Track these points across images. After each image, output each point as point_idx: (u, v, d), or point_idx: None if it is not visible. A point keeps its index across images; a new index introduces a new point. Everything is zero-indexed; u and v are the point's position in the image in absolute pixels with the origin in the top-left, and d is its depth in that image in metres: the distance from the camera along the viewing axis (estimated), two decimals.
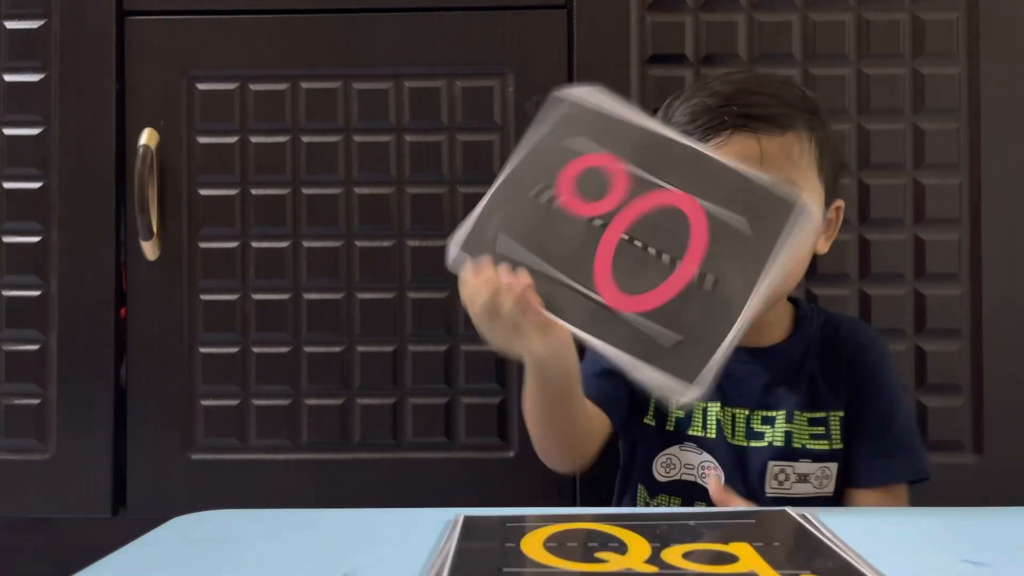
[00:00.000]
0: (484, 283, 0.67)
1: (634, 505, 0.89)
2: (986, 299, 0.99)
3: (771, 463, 0.83)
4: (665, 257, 0.63)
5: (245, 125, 1.02)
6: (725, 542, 0.50)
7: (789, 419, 0.83)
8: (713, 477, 0.81)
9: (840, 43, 1.01)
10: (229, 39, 1.02)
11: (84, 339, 1.01)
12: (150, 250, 1.00)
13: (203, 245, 1.02)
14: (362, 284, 1.02)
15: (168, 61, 1.02)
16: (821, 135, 0.85)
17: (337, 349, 1.02)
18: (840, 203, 0.90)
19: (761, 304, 0.62)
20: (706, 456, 0.85)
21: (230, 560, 0.52)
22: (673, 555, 0.47)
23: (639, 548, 0.49)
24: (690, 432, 0.85)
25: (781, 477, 0.83)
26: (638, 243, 0.64)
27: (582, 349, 0.70)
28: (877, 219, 1.00)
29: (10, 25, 1.03)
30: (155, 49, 1.02)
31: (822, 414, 0.84)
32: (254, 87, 1.02)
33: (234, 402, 1.02)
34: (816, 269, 1.00)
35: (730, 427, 0.84)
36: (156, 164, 1.00)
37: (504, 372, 1.01)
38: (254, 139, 1.02)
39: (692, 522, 0.55)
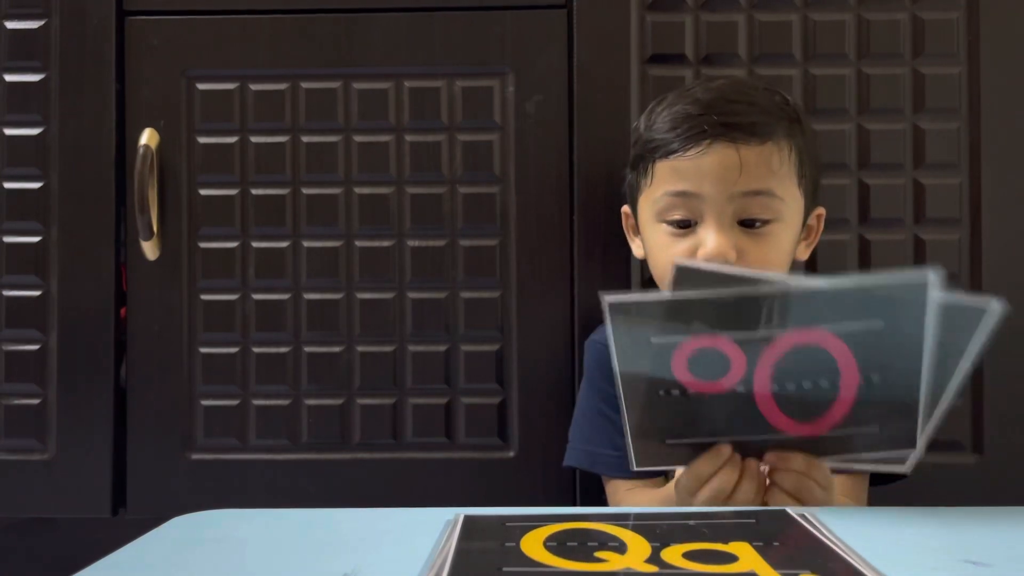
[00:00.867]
0: (729, 468, 0.66)
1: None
2: None
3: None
4: (823, 382, 0.61)
5: (245, 125, 1.02)
6: (725, 542, 0.50)
7: None
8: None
9: (840, 43, 1.01)
10: (229, 39, 1.02)
11: (84, 339, 1.01)
12: (150, 250, 1.00)
13: (203, 245, 1.02)
14: (362, 284, 1.02)
15: (168, 61, 1.02)
16: (801, 143, 0.85)
17: (337, 349, 1.02)
18: (821, 211, 0.90)
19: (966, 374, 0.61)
20: None
21: (230, 560, 0.52)
22: (673, 555, 0.47)
23: (639, 548, 0.49)
24: None
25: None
26: (790, 387, 0.62)
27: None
28: (877, 219, 1.00)
29: (10, 25, 1.03)
30: (155, 49, 1.02)
31: None
32: (254, 87, 1.02)
33: (234, 402, 1.02)
34: (816, 269, 1.00)
35: None
36: (156, 164, 1.00)
37: (504, 372, 1.01)
38: (254, 139, 1.02)
39: (692, 522, 0.55)
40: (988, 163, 0.99)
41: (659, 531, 0.52)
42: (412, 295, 1.01)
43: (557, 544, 0.49)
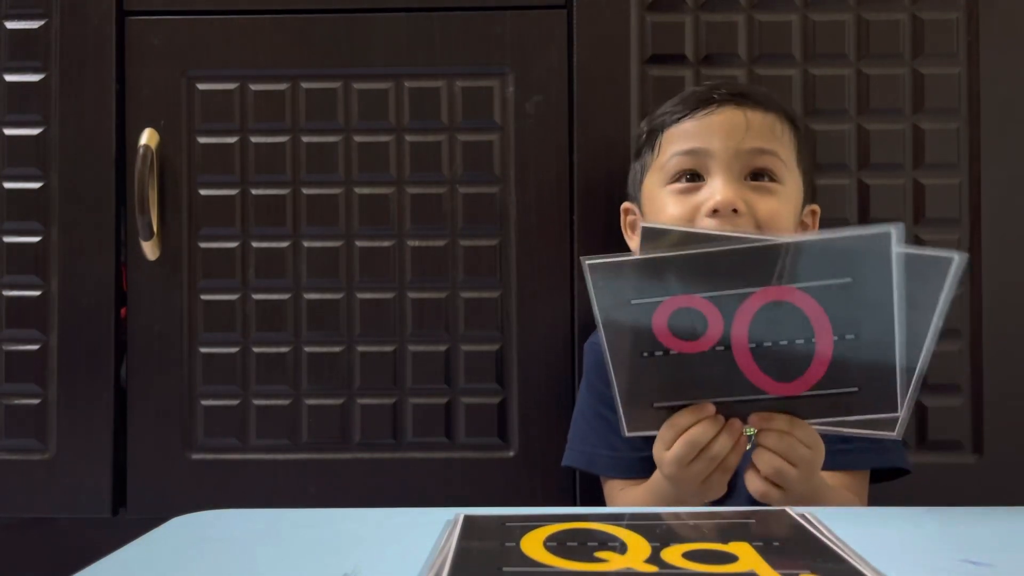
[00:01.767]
0: (709, 422, 0.67)
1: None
2: (986, 299, 0.99)
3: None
4: (799, 341, 0.63)
5: (245, 125, 1.02)
6: (725, 542, 0.49)
7: None
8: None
9: (840, 43, 1.01)
10: (229, 39, 1.02)
11: (84, 339, 1.01)
12: (150, 250, 1.00)
13: (203, 245, 1.02)
14: (362, 284, 1.02)
15: (168, 61, 1.02)
16: (799, 136, 0.88)
17: (337, 349, 1.02)
18: (815, 207, 0.91)
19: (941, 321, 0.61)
20: None
21: (230, 560, 0.52)
22: (673, 555, 0.47)
23: (639, 548, 0.49)
24: None
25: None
26: (767, 344, 0.63)
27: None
28: (877, 219, 1.00)
29: (10, 25, 1.03)
30: (155, 49, 1.02)
31: None
32: (254, 87, 1.02)
33: (234, 402, 1.02)
34: None
35: None
36: (156, 164, 1.00)
37: (504, 372, 1.01)
38: (254, 139, 1.02)
39: (692, 522, 0.55)
40: (988, 163, 0.99)
41: (659, 531, 0.52)
42: (412, 295, 1.01)
43: (557, 544, 0.49)
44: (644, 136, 0.91)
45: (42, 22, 1.03)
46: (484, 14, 1.01)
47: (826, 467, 0.82)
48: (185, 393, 1.01)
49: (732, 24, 1.01)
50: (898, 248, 0.59)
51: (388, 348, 1.01)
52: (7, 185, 1.03)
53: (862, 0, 1.01)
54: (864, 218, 1.00)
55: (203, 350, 1.02)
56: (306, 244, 1.02)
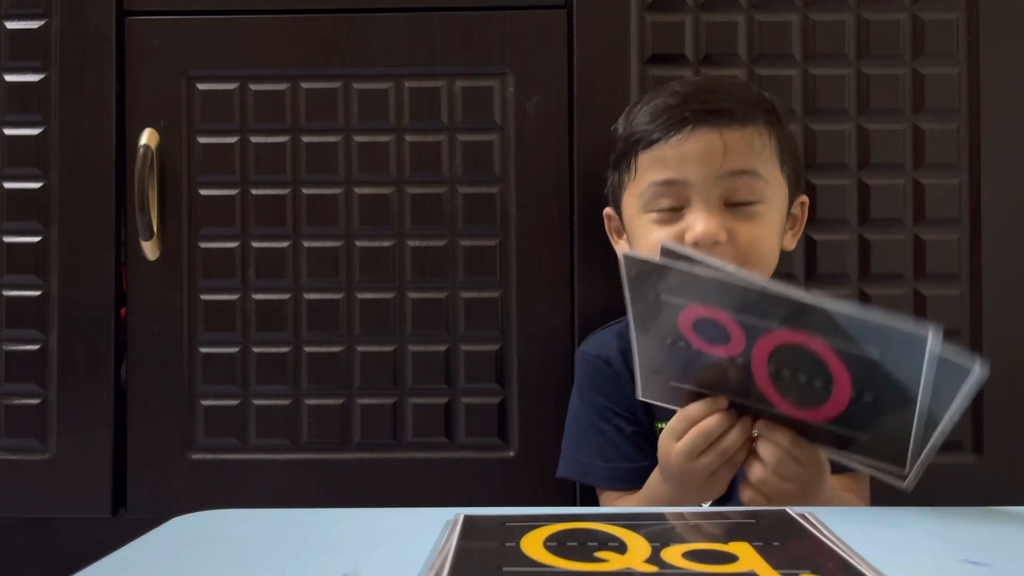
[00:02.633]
0: (722, 415, 0.67)
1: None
2: (986, 299, 0.99)
3: None
4: (817, 383, 0.62)
5: (245, 125, 1.02)
6: (725, 542, 0.49)
7: None
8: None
9: (840, 43, 1.01)
10: (229, 39, 1.02)
11: (84, 339, 1.01)
12: (150, 250, 1.00)
13: (203, 245, 1.02)
14: (362, 284, 1.02)
15: (168, 61, 1.02)
16: (780, 132, 0.86)
17: (337, 349, 1.02)
18: (804, 199, 0.91)
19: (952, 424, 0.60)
20: None
21: (230, 560, 0.52)
22: (673, 555, 0.47)
23: (639, 548, 0.49)
24: None
25: None
26: (785, 374, 0.63)
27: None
28: (877, 219, 1.00)
29: (10, 25, 1.03)
30: (155, 49, 1.02)
31: None
32: (254, 87, 1.02)
33: (234, 402, 1.02)
34: (816, 268, 1.00)
35: None
36: (156, 164, 1.00)
37: (504, 372, 1.01)
38: (254, 139, 1.02)
39: (692, 522, 0.55)
40: (988, 163, 0.99)
41: (659, 531, 0.52)
42: (412, 295, 1.01)
43: (557, 544, 0.49)
44: (619, 148, 0.89)
45: (42, 22, 1.03)
46: (484, 14, 1.01)
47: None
48: (185, 393, 1.01)
49: (732, 24, 1.01)
50: (935, 351, 0.57)
51: (388, 348, 1.01)
52: (7, 185, 1.03)
53: (862, 0, 1.01)
54: (864, 218, 1.00)
55: (203, 350, 1.02)
56: (306, 244, 1.02)
